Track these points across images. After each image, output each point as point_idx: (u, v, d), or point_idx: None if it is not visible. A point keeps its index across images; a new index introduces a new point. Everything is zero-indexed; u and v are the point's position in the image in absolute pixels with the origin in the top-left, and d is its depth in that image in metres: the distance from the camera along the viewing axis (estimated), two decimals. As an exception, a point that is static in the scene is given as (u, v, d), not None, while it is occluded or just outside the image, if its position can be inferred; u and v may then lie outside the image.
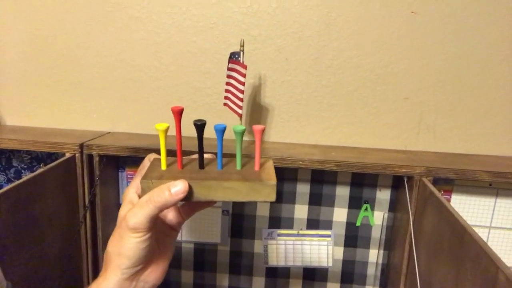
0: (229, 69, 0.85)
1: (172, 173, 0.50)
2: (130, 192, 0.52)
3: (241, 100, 0.85)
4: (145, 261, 0.49)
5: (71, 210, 0.96)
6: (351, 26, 0.97)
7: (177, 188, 0.46)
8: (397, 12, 0.96)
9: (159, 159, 0.52)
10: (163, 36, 1.02)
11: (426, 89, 1.00)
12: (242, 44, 0.84)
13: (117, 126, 1.09)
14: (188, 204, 0.56)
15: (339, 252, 1.07)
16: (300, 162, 0.90)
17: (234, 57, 0.84)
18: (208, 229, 1.09)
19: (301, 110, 1.03)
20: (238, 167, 0.52)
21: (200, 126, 0.49)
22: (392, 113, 1.02)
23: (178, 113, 0.49)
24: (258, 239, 1.09)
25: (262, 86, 1.03)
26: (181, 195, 0.46)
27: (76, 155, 0.93)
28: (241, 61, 0.83)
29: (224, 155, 0.52)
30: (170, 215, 0.56)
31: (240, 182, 0.49)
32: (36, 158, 1.10)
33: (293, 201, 1.05)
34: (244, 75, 0.82)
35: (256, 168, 0.52)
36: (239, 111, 0.86)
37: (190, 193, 0.48)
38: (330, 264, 1.08)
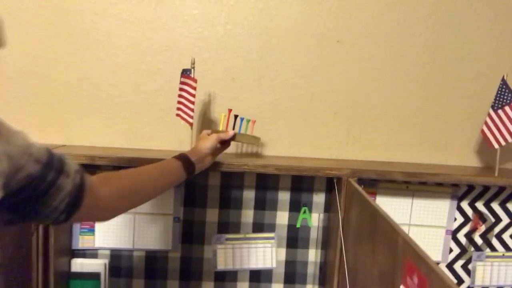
0: (181, 83, 0.96)
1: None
2: (205, 134, 0.98)
3: (192, 110, 0.95)
4: (205, 157, 0.93)
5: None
6: (288, 51, 1.14)
7: (230, 133, 0.98)
8: (326, 40, 1.14)
9: (212, 131, 1.00)
10: (121, 57, 1.12)
11: (352, 105, 1.17)
12: (193, 62, 0.96)
13: (71, 139, 1.15)
14: (222, 145, 1.00)
15: (282, 253, 1.17)
16: (245, 167, 1.02)
17: (185, 73, 0.95)
18: (160, 236, 1.15)
19: (246, 124, 1.16)
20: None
21: (236, 117, 1.04)
22: (324, 126, 1.18)
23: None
24: (207, 244, 1.16)
25: (212, 102, 1.15)
26: (230, 136, 0.98)
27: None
28: (192, 76, 0.94)
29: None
30: (218, 147, 0.98)
31: (249, 135, 1.04)
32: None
33: (240, 207, 1.15)
34: (194, 88, 0.94)
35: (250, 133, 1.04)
36: (190, 120, 0.97)
37: (233, 137, 0.99)
38: (274, 265, 1.17)
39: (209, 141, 0.92)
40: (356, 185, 0.97)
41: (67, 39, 1.10)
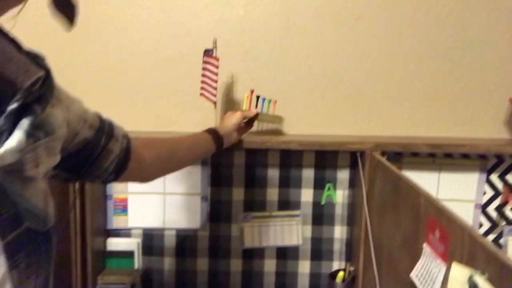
0: (204, 62, 0.99)
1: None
2: (230, 113, 1.01)
3: (215, 88, 0.99)
4: (232, 133, 0.97)
5: (63, 193, 1.04)
6: (308, 30, 1.15)
7: (253, 111, 1.03)
8: (345, 18, 1.14)
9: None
10: (145, 43, 1.16)
11: (373, 82, 1.17)
12: (215, 42, 0.99)
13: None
14: (246, 125, 1.04)
15: (308, 230, 1.19)
16: (268, 143, 1.04)
17: (208, 53, 0.99)
18: (188, 216, 1.19)
19: (268, 104, 1.18)
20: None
21: (258, 98, 1.08)
22: (345, 104, 1.18)
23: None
24: (234, 222, 1.19)
25: (234, 84, 1.18)
26: (253, 114, 1.02)
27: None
28: (214, 55, 0.98)
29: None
30: (242, 125, 1.01)
31: (272, 115, 1.10)
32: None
33: (265, 185, 1.18)
34: (217, 67, 0.97)
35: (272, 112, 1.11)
36: (213, 98, 1.00)
37: (256, 116, 1.03)
38: (300, 242, 1.19)
39: (234, 117, 0.96)
40: (380, 157, 0.97)
41: (92, 28, 1.15)
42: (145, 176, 0.77)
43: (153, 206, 1.19)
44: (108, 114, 0.65)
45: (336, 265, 1.19)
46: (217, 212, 1.19)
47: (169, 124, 1.19)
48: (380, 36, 1.15)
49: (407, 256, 0.72)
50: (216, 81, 0.98)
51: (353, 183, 1.16)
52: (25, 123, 0.40)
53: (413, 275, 0.64)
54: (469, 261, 0.48)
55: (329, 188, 1.17)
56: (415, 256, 0.66)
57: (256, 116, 1.03)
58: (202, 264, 1.20)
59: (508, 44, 1.14)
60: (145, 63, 1.17)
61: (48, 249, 0.47)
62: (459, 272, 0.48)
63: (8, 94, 0.40)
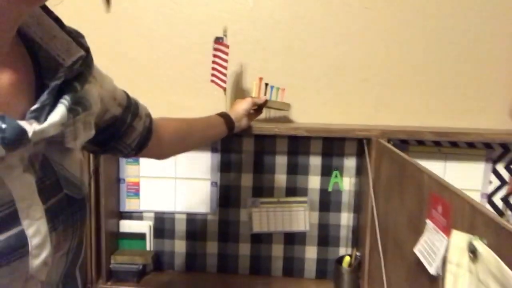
0: (214, 49, 1.03)
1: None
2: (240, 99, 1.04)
3: (225, 75, 1.02)
4: (242, 118, 1.01)
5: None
6: (316, 20, 1.17)
7: (262, 97, 1.06)
8: (354, 7, 1.16)
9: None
10: (158, 32, 1.20)
11: (380, 72, 1.19)
12: (225, 30, 1.02)
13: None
14: (255, 112, 1.08)
15: (315, 217, 1.22)
16: (277, 129, 1.07)
17: (218, 40, 1.02)
18: (199, 200, 1.23)
19: (278, 92, 1.21)
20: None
21: (266, 86, 1.11)
22: (353, 93, 1.20)
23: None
24: (243, 207, 1.22)
25: (243, 73, 1.21)
26: (263, 101, 1.06)
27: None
28: (224, 42, 1.01)
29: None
30: (251, 112, 1.05)
31: (280, 102, 1.12)
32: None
33: (273, 172, 1.21)
34: (227, 54, 1.00)
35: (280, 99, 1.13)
36: (223, 84, 1.03)
37: (264, 103, 1.06)
38: (308, 228, 1.22)
39: (244, 103, 0.99)
40: (386, 143, 0.99)
41: (106, 18, 1.19)
42: (162, 153, 0.81)
43: (165, 190, 1.23)
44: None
45: (342, 251, 1.21)
46: (227, 197, 1.22)
47: (181, 111, 1.23)
48: (387, 25, 1.17)
49: (412, 236, 0.75)
50: (226, 68, 1.01)
51: (360, 171, 1.18)
52: (67, 98, 0.43)
53: (417, 250, 0.66)
54: (469, 230, 0.50)
55: (336, 176, 1.19)
56: (419, 235, 0.69)
57: (265, 102, 1.06)
58: (212, 247, 1.24)
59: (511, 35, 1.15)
60: (158, 51, 1.21)
61: (82, 215, 0.50)
62: (459, 239, 0.50)
63: (51, 70, 0.43)
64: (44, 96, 0.41)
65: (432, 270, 0.59)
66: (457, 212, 0.55)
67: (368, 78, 1.20)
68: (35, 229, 0.41)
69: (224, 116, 0.95)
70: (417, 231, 0.71)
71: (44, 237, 0.42)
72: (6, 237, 0.38)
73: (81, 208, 0.50)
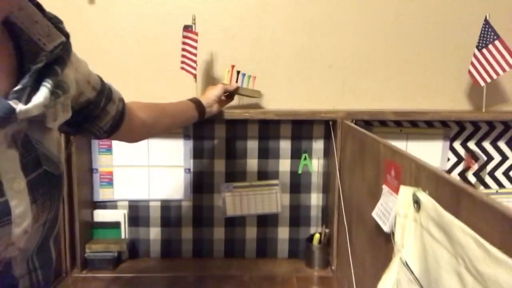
0: (184, 37, 1.05)
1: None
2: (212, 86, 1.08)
3: (195, 62, 1.05)
4: (213, 103, 1.04)
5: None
6: (283, 8, 1.22)
7: (234, 84, 1.09)
8: (317, -3, 1.22)
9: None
10: (127, 23, 1.21)
11: (346, 58, 1.25)
12: (194, 18, 1.05)
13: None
14: (227, 98, 1.12)
15: (286, 198, 1.26)
16: (247, 114, 1.11)
17: (187, 28, 1.05)
18: (172, 187, 1.25)
19: (247, 79, 1.25)
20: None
21: (238, 73, 1.13)
22: (320, 79, 1.26)
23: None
24: (217, 192, 1.26)
25: (214, 61, 1.24)
26: (234, 88, 1.09)
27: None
28: (193, 30, 1.04)
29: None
30: (223, 99, 1.09)
31: (251, 89, 1.15)
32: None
33: (245, 156, 1.24)
34: (195, 41, 1.03)
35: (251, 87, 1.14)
36: (193, 71, 1.06)
37: (236, 90, 1.09)
38: (279, 210, 1.26)
39: (215, 89, 1.03)
40: (350, 123, 1.05)
41: (75, 9, 1.20)
42: (133, 136, 0.83)
43: (138, 179, 1.24)
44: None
45: (313, 230, 1.26)
46: (200, 183, 1.25)
47: (153, 100, 1.23)
48: (352, 15, 1.23)
49: (372, 204, 0.80)
50: (195, 55, 1.04)
51: (328, 152, 1.24)
52: (49, 82, 0.46)
53: (374, 214, 0.71)
54: (414, 184, 0.56)
55: (305, 158, 1.24)
56: (377, 201, 0.74)
57: (236, 89, 1.09)
58: (187, 233, 1.26)
59: (467, 23, 1.23)
60: (128, 40, 1.22)
61: (59, 190, 0.53)
62: (406, 193, 0.55)
63: (32, 53, 0.46)
64: (26, 79, 0.44)
65: (386, 228, 0.64)
66: (406, 172, 0.60)
67: (334, 65, 1.25)
68: (18, 200, 0.44)
69: (195, 101, 0.98)
70: (376, 198, 0.76)
71: (26, 207, 0.45)
72: None
73: (58, 183, 0.53)
